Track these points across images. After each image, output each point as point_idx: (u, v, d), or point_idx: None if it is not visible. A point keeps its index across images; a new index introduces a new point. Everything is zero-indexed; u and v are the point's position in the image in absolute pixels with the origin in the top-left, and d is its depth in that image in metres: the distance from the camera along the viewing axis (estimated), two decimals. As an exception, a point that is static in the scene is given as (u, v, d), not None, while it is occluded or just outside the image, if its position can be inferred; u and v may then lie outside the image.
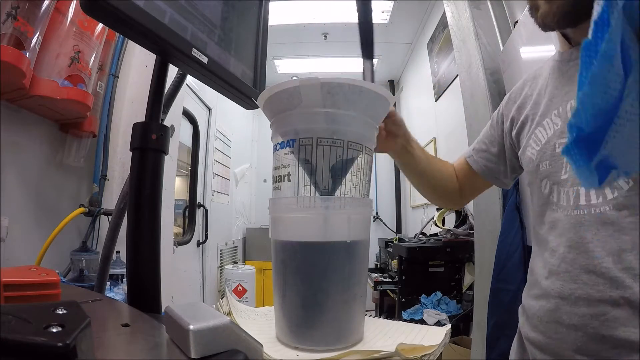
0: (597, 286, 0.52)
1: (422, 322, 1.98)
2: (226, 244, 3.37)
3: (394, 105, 0.63)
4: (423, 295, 2.14)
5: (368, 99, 0.48)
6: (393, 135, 0.70)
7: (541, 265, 0.62)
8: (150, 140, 0.48)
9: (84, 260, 1.30)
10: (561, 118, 0.61)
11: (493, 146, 0.79)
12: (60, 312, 0.22)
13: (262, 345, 0.29)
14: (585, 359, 0.53)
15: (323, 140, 0.47)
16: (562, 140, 0.60)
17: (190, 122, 2.67)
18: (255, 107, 0.66)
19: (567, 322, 0.55)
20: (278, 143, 0.51)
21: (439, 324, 1.91)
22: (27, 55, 0.99)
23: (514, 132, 0.73)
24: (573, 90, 0.59)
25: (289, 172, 0.50)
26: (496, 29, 1.72)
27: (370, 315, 0.64)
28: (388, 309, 2.78)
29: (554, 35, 0.64)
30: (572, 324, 0.54)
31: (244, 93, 0.62)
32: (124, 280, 1.31)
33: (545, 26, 0.60)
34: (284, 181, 0.50)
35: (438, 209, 2.46)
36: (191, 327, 0.25)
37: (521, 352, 0.67)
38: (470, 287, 2.05)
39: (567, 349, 0.55)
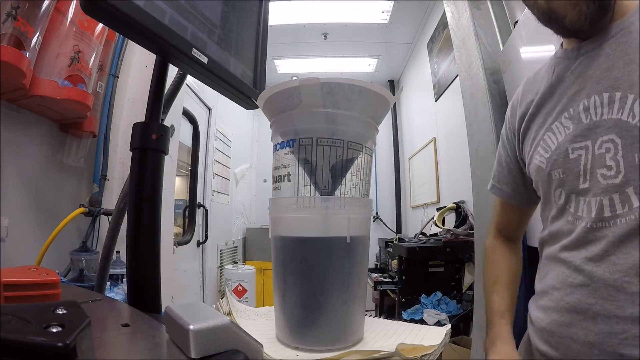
0: (617, 302, 0.49)
1: (422, 322, 1.98)
2: (226, 244, 3.36)
3: (394, 105, 0.63)
4: (423, 295, 2.14)
5: (368, 98, 0.48)
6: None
7: (553, 276, 0.58)
8: (150, 140, 0.48)
9: (84, 260, 1.30)
10: (573, 120, 0.55)
11: (511, 166, 0.72)
12: (60, 312, 0.22)
13: (262, 345, 0.29)
14: None
15: (323, 140, 0.47)
16: (576, 145, 0.54)
17: (190, 122, 2.67)
18: (255, 107, 0.66)
19: (583, 339, 0.51)
20: (278, 143, 0.51)
21: (439, 324, 1.91)
22: (27, 55, 0.98)
23: (521, 142, 0.67)
24: (584, 88, 0.54)
25: (289, 172, 0.50)
26: (496, 29, 1.72)
27: (370, 315, 0.64)
28: (388, 309, 2.78)
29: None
30: (588, 341, 0.51)
31: (244, 93, 0.62)
32: (124, 280, 1.31)
33: (575, 32, 0.55)
34: (284, 181, 0.50)
35: (438, 209, 2.46)
36: (191, 327, 0.25)
37: (528, 355, 0.65)
38: (470, 287, 2.05)
39: None
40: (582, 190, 0.54)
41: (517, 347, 0.67)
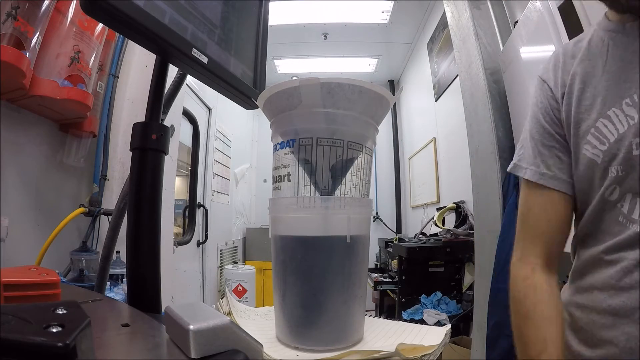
0: None
1: (422, 322, 1.98)
2: (226, 244, 3.36)
3: (394, 105, 0.63)
4: (423, 295, 2.14)
5: (368, 98, 0.48)
6: None
7: (596, 275, 0.53)
8: (150, 140, 0.48)
9: (84, 260, 1.30)
10: (637, 108, 0.47)
11: (562, 151, 0.58)
12: (60, 312, 0.22)
13: (262, 345, 0.29)
14: None
15: (323, 140, 0.47)
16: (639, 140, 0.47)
17: (190, 122, 2.67)
18: (255, 107, 0.66)
19: (624, 344, 0.48)
20: (278, 143, 0.51)
21: (439, 324, 1.91)
22: (27, 55, 0.98)
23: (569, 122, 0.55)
24: None
25: (289, 172, 0.50)
26: (496, 29, 1.72)
27: (370, 315, 0.64)
28: (388, 309, 2.78)
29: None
30: (629, 347, 0.48)
31: (244, 93, 0.62)
32: (124, 280, 1.31)
33: (633, 8, 0.48)
34: (284, 181, 0.50)
35: (438, 209, 2.46)
36: (191, 327, 0.25)
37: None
38: (470, 287, 2.05)
39: None
40: None
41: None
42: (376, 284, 2.75)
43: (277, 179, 0.51)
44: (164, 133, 0.50)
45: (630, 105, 0.47)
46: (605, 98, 0.50)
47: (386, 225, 4.04)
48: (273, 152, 0.52)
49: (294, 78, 0.47)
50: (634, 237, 0.49)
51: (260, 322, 0.59)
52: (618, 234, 0.51)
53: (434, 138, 2.92)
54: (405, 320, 1.32)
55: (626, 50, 0.49)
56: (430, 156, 2.94)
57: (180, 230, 2.63)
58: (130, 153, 0.49)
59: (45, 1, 1.04)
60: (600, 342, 0.52)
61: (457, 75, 1.97)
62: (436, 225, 2.36)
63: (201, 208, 2.79)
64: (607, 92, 0.50)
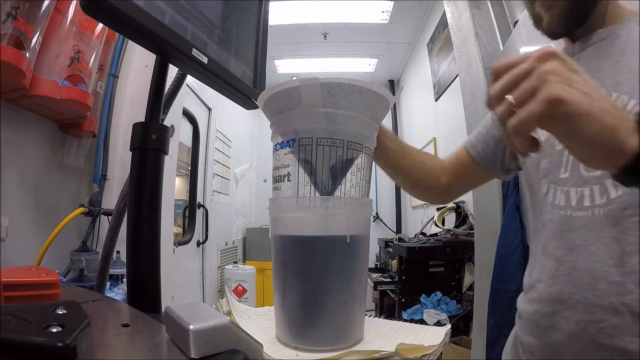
0: (597, 291, 0.50)
1: (422, 322, 1.98)
2: (226, 244, 3.36)
3: (394, 105, 0.63)
4: (423, 295, 2.14)
5: (368, 98, 0.48)
6: None
7: (538, 268, 0.60)
8: (150, 140, 0.48)
9: (84, 260, 1.30)
10: None
11: (494, 131, 0.74)
12: (60, 312, 0.22)
13: (262, 345, 0.29)
14: None
15: (323, 140, 0.47)
16: None
17: (190, 122, 2.67)
18: (255, 107, 0.66)
19: (564, 328, 0.53)
20: (278, 143, 0.51)
21: (439, 324, 1.91)
22: (27, 55, 0.98)
23: None
24: None
25: (289, 172, 0.50)
26: (496, 29, 1.72)
27: (370, 315, 0.64)
28: (388, 309, 2.78)
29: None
30: (569, 330, 0.52)
31: (244, 93, 0.62)
32: (124, 280, 1.31)
33: (554, 34, 0.59)
34: (284, 181, 0.50)
35: (438, 209, 2.46)
36: (191, 327, 0.25)
37: (514, 354, 0.65)
38: (470, 287, 2.05)
39: (563, 354, 0.53)
40: (562, 179, 0.56)
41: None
42: (376, 284, 2.75)
43: (277, 179, 0.51)
44: (164, 133, 0.50)
45: None
46: None
47: (386, 225, 4.04)
48: (273, 152, 0.52)
49: (294, 78, 0.47)
50: (562, 223, 0.55)
51: (260, 322, 0.59)
52: (550, 222, 0.57)
53: (434, 138, 2.92)
54: (405, 320, 1.32)
55: None
56: (430, 156, 2.94)
57: (180, 230, 2.63)
58: (130, 153, 0.49)
59: (45, 1, 1.04)
60: (544, 330, 0.55)
61: (457, 75, 1.97)
62: (436, 225, 2.36)
63: (201, 208, 2.79)
64: None
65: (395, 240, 2.69)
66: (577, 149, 0.37)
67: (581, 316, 0.51)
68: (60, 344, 0.18)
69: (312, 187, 0.49)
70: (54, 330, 0.20)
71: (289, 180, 0.49)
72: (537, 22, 0.60)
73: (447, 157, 0.82)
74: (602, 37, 0.57)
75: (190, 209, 2.67)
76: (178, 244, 2.36)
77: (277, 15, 2.89)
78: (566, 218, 0.55)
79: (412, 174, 0.76)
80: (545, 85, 0.34)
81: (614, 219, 0.50)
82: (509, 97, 0.36)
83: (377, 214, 4.03)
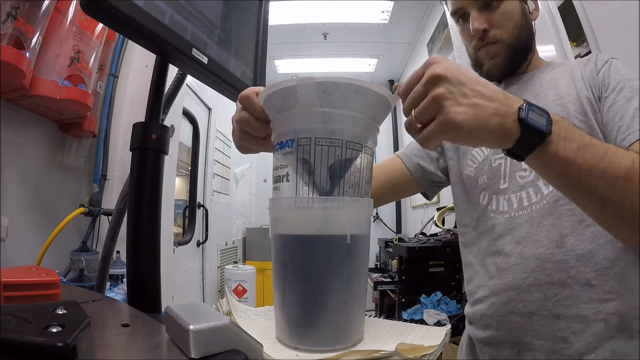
0: (545, 271, 0.57)
1: (422, 322, 1.98)
2: (226, 244, 3.36)
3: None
4: (423, 295, 2.14)
5: (366, 98, 0.48)
6: None
7: (483, 271, 0.67)
8: (150, 140, 0.48)
9: (84, 260, 1.30)
10: None
11: (431, 150, 0.80)
12: (60, 312, 0.22)
13: (262, 345, 0.29)
14: (542, 343, 0.57)
15: (321, 140, 0.47)
16: (497, 156, 0.68)
17: (190, 122, 2.67)
18: (255, 107, 0.66)
19: (522, 310, 0.59)
20: (277, 143, 0.51)
21: (439, 324, 1.91)
22: (27, 55, 0.98)
23: (447, 153, 0.78)
24: None
25: (287, 173, 0.50)
26: (496, 29, 1.71)
27: (370, 315, 0.64)
28: (388, 309, 2.78)
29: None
30: (527, 311, 0.58)
31: (244, 93, 0.62)
32: (124, 280, 1.31)
33: (490, 77, 0.71)
34: (283, 181, 0.50)
35: (438, 209, 2.46)
36: (191, 327, 0.25)
37: (471, 354, 0.71)
38: (470, 287, 2.05)
39: (525, 337, 0.58)
40: (502, 189, 0.65)
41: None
42: (376, 284, 2.75)
43: (276, 179, 0.51)
44: (164, 133, 0.50)
45: None
46: None
47: (386, 225, 4.03)
48: (273, 152, 0.52)
49: (294, 77, 0.47)
50: (506, 224, 0.63)
51: (260, 322, 0.59)
52: (493, 227, 0.65)
53: (434, 138, 2.92)
54: (405, 320, 1.32)
55: None
56: (430, 156, 2.94)
57: (180, 230, 2.63)
58: (130, 153, 0.49)
59: (45, 1, 1.04)
60: (503, 318, 0.62)
61: (457, 75, 1.96)
62: (436, 225, 2.36)
63: (201, 208, 2.79)
64: None
65: (395, 240, 2.68)
66: (475, 145, 0.46)
67: (536, 295, 0.58)
68: (60, 344, 0.18)
69: (311, 187, 0.49)
70: (54, 330, 0.20)
71: (287, 180, 0.49)
72: (478, 66, 0.73)
73: (374, 165, 0.84)
74: (525, 79, 0.73)
75: (190, 209, 2.67)
76: (178, 244, 2.36)
77: (277, 15, 2.89)
78: (510, 219, 0.63)
79: None
80: (439, 112, 0.40)
81: (549, 209, 0.59)
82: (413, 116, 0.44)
83: (377, 214, 4.03)
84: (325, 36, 3.28)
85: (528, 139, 0.42)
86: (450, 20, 1.91)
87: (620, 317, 0.54)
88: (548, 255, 0.58)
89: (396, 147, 4.11)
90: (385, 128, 4.15)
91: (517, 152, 0.43)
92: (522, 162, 0.61)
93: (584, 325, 0.55)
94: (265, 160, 4.19)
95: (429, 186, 0.81)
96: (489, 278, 0.65)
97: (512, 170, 0.65)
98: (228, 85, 0.58)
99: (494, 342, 0.63)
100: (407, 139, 3.92)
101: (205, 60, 0.51)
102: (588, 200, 0.45)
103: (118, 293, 1.25)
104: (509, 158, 0.63)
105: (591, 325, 0.54)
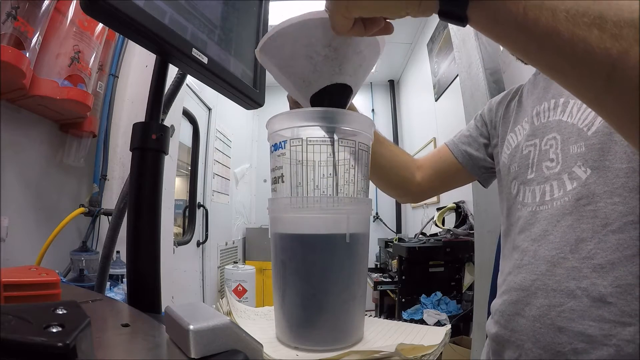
0: (555, 276, 0.52)
1: (422, 322, 1.98)
2: (226, 244, 3.36)
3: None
4: (423, 295, 2.14)
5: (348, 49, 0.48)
6: None
7: (506, 265, 0.64)
8: (150, 140, 0.48)
9: (84, 260, 1.30)
10: (529, 123, 0.64)
11: (479, 136, 0.77)
12: (60, 312, 0.22)
13: (262, 345, 0.29)
14: (542, 353, 0.52)
15: (312, 139, 0.47)
16: (528, 142, 0.63)
17: (190, 122, 2.67)
18: (256, 107, 0.66)
19: (527, 314, 0.55)
20: (273, 145, 0.51)
21: (439, 324, 1.91)
22: (27, 55, 0.98)
23: (492, 139, 0.76)
24: (543, 96, 0.64)
25: (282, 174, 0.50)
26: (496, 29, 1.72)
27: (370, 315, 0.64)
28: (388, 309, 2.78)
29: None
30: (532, 315, 0.54)
31: (244, 93, 0.62)
32: (124, 280, 1.31)
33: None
34: (279, 182, 0.50)
35: (438, 209, 2.46)
36: (191, 327, 0.25)
37: (486, 352, 0.67)
38: (470, 287, 2.05)
39: (527, 341, 0.54)
40: (529, 180, 0.61)
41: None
42: (376, 284, 2.75)
43: (274, 180, 0.52)
44: (164, 133, 0.50)
45: (526, 122, 0.65)
46: (515, 120, 0.69)
47: (386, 225, 4.03)
48: (270, 153, 0.52)
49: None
50: (527, 218, 0.59)
51: (260, 322, 0.59)
52: (518, 220, 0.62)
53: (434, 138, 2.92)
54: (405, 320, 1.32)
55: (533, 86, 0.70)
56: (430, 156, 2.94)
57: (180, 230, 2.63)
58: (130, 153, 0.49)
59: (45, 1, 1.04)
60: (510, 318, 0.58)
61: (457, 75, 1.97)
62: (436, 225, 2.36)
63: (201, 208, 2.79)
64: (517, 116, 0.70)
65: (395, 240, 2.69)
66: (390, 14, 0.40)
67: (542, 301, 0.53)
68: (60, 344, 0.18)
69: (307, 187, 0.49)
70: (54, 330, 0.20)
71: (282, 181, 0.49)
72: None
73: (423, 157, 0.83)
74: None
75: (190, 209, 2.67)
76: (178, 244, 2.36)
77: (277, 15, 2.89)
78: (532, 213, 0.59)
79: (385, 165, 0.75)
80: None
81: (570, 208, 0.52)
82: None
83: (377, 214, 4.03)
84: (325, 36, 3.28)
85: None
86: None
87: (638, 348, 0.45)
88: (560, 260, 0.52)
89: (396, 142, 4.11)
90: (385, 128, 4.15)
91: (449, 8, 0.36)
92: (550, 151, 0.58)
93: (588, 345, 0.47)
94: (265, 160, 4.18)
95: (481, 173, 0.78)
96: (508, 274, 0.61)
97: (540, 160, 0.60)
98: (228, 85, 0.58)
99: (499, 340, 0.60)
100: (407, 140, 3.92)
101: (205, 60, 0.51)
102: (589, 72, 0.29)
103: (118, 293, 1.25)
104: (537, 145, 0.61)
105: (597, 348, 0.47)
